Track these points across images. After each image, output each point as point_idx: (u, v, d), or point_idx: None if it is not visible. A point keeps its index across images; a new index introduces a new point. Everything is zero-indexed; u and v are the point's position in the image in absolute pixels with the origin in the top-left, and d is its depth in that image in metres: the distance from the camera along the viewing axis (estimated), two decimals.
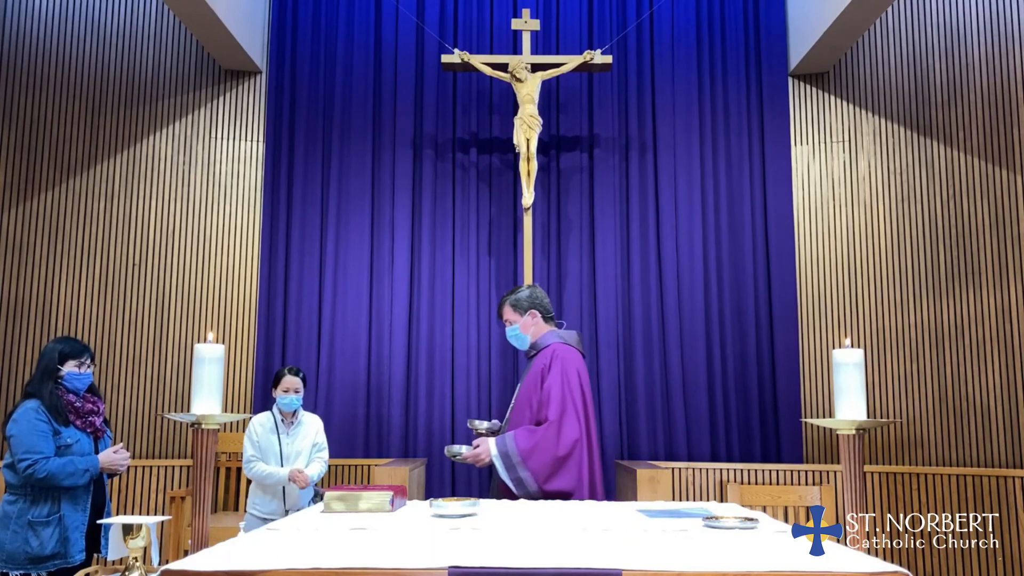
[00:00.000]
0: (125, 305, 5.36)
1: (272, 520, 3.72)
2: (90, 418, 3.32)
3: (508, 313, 3.58)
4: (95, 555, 3.33)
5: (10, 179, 5.37)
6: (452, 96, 5.66)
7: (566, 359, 3.35)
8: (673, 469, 4.79)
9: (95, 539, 3.28)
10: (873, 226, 5.42)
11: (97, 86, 5.53)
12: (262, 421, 4.18)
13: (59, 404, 3.24)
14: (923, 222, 5.27)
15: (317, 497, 4.19)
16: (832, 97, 5.64)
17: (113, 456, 3.27)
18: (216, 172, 5.55)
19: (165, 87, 5.59)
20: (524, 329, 3.54)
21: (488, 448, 3.25)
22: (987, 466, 4.82)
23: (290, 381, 4.15)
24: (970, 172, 5.08)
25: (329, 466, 4.43)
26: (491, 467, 3.29)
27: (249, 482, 4.30)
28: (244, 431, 4.28)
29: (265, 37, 5.69)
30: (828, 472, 4.85)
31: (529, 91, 5.20)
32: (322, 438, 4.25)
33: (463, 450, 3.33)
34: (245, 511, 4.19)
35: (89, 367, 3.37)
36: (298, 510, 3.56)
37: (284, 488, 4.04)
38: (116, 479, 5.00)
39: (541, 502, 2.81)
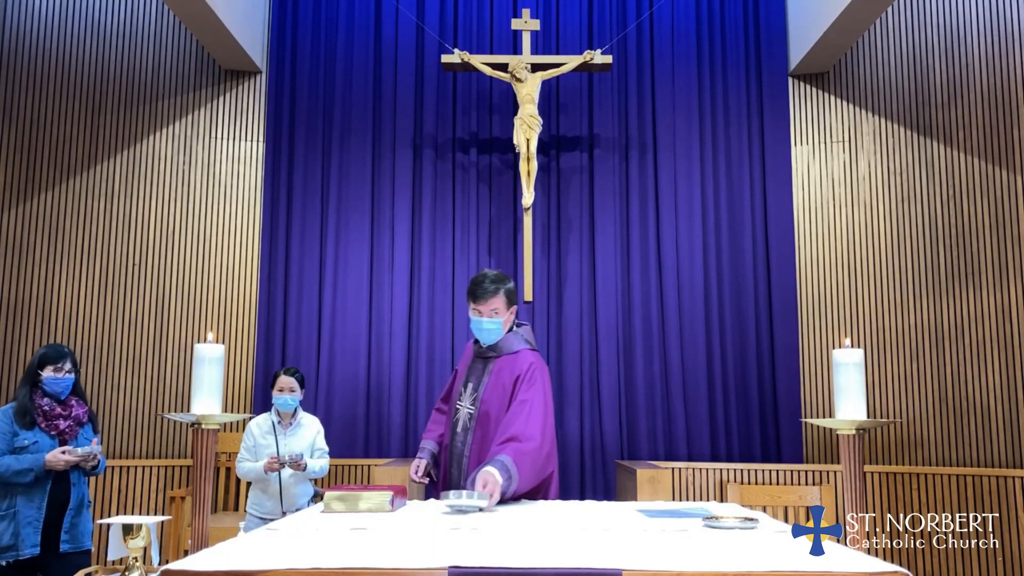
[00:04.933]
0: (125, 305, 5.36)
1: (271, 520, 3.72)
2: (55, 421, 3.43)
3: (498, 303, 2.99)
4: (97, 552, 3.41)
5: (10, 179, 5.37)
6: (452, 96, 5.66)
7: (544, 374, 2.97)
8: (673, 469, 4.79)
9: (56, 535, 3.38)
10: (873, 226, 5.42)
11: (97, 86, 5.53)
12: (259, 423, 4.17)
13: (29, 407, 3.40)
14: (923, 222, 5.27)
15: (316, 497, 4.18)
16: (832, 97, 5.64)
17: (59, 455, 3.34)
18: (216, 172, 5.55)
19: (165, 87, 5.59)
20: (505, 325, 3.05)
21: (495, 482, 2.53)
22: (987, 466, 4.82)
23: (285, 381, 4.15)
24: (970, 172, 5.08)
25: (329, 466, 4.42)
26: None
27: (249, 482, 4.29)
28: (243, 431, 4.28)
29: (265, 37, 5.69)
30: (828, 472, 4.84)
31: (529, 91, 5.21)
32: (321, 442, 4.23)
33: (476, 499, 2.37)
34: (245, 511, 4.19)
35: (69, 372, 3.48)
36: (296, 511, 3.55)
37: (281, 489, 4.03)
38: (109, 479, 5.01)
39: (541, 502, 2.81)
